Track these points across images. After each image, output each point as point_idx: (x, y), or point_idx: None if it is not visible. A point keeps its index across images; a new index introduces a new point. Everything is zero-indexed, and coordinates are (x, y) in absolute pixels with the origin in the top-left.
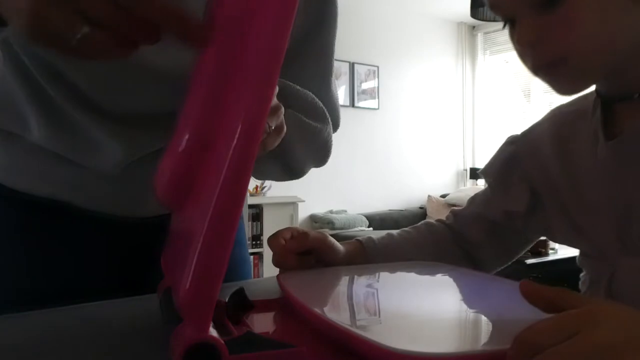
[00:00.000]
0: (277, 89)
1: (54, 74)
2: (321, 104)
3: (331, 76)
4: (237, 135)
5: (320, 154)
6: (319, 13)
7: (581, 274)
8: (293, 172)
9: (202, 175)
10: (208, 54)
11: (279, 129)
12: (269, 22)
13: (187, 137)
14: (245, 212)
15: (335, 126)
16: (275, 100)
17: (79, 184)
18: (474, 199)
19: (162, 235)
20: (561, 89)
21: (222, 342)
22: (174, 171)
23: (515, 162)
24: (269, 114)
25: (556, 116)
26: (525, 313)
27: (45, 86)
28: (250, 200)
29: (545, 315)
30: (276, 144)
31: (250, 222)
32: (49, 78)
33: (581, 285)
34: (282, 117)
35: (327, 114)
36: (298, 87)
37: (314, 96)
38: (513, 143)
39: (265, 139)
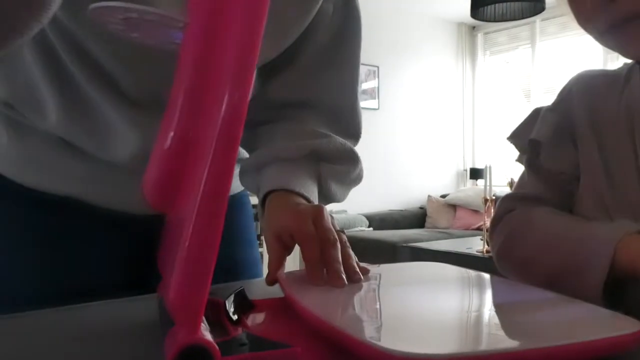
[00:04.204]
0: (254, 79)
1: (79, 52)
2: (349, 146)
3: (356, 85)
4: (218, 129)
5: (352, 187)
6: (341, 27)
7: None
8: (328, 202)
9: (188, 173)
10: (188, 45)
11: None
12: (241, 16)
13: (172, 134)
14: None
15: (357, 137)
16: (334, 235)
17: (90, 179)
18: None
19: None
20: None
21: (214, 344)
22: (161, 170)
23: (563, 130)
24: (332, 248)
25: (587, 84)
26: (526, 312)
27: (68, 64)
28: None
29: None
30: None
31: None
32: (74, 55)
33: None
34: (338, 246)
35: (356, 152)
36: (326, 140)
37: (342, 141)
38: (553, 110)
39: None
